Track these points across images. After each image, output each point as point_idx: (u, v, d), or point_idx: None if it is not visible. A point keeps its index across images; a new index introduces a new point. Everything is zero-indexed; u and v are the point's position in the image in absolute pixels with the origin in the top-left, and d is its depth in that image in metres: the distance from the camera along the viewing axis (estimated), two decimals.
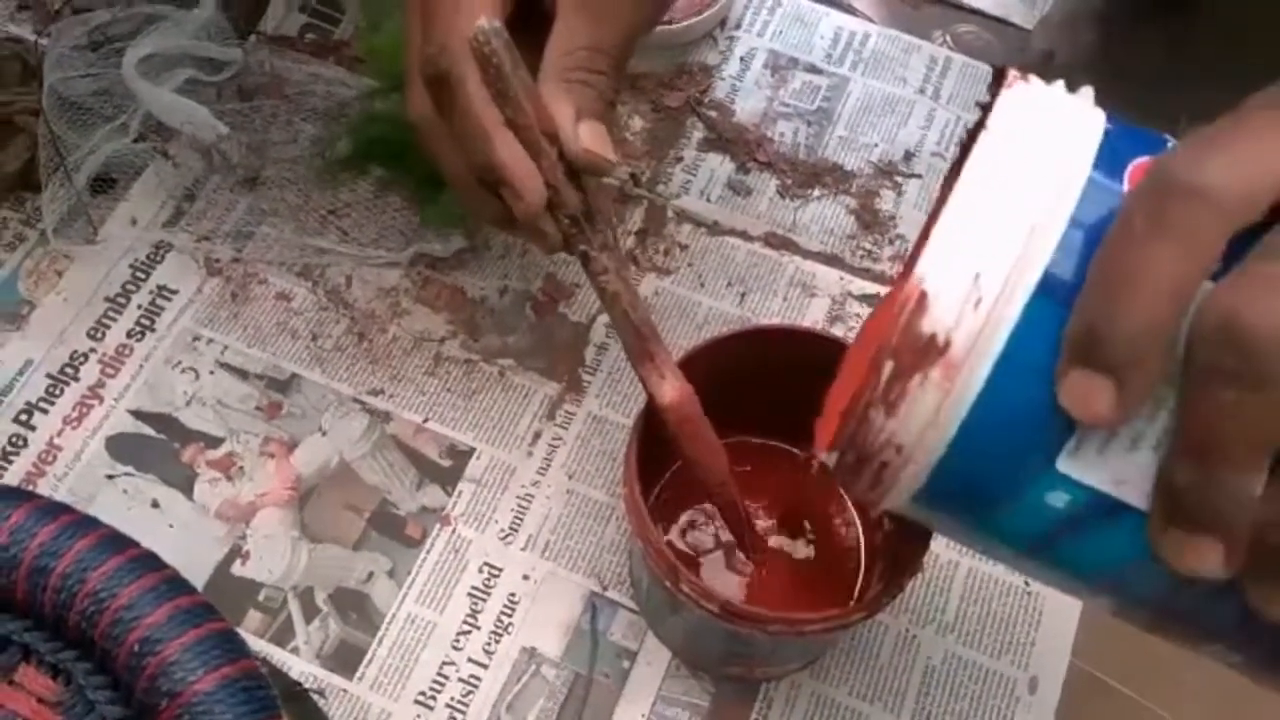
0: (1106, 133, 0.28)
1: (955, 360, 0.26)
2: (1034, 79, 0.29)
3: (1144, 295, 0.25)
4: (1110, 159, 0.27)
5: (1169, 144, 0.28)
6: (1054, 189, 0.26)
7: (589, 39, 0.41)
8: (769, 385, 0.47)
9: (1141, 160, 0.27)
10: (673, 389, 0.44)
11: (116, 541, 0.34)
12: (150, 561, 0.34)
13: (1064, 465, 0.27)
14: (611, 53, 0.42)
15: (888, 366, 0.27)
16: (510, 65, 0.38)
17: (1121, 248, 0.25)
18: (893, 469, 0.29)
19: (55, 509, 0.35)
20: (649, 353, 0.44)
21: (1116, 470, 0.27)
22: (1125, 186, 0.27)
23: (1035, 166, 0.27)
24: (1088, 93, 0.30)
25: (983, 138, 0.27)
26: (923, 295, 0.26)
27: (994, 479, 0.28)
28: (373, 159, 0.63)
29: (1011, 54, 0.72)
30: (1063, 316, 0.26)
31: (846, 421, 0.29)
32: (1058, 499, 0.27)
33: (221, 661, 0.33)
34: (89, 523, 0.35)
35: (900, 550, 0.46)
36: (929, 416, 0.27)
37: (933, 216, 0.34)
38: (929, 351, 0.26)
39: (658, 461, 0.52)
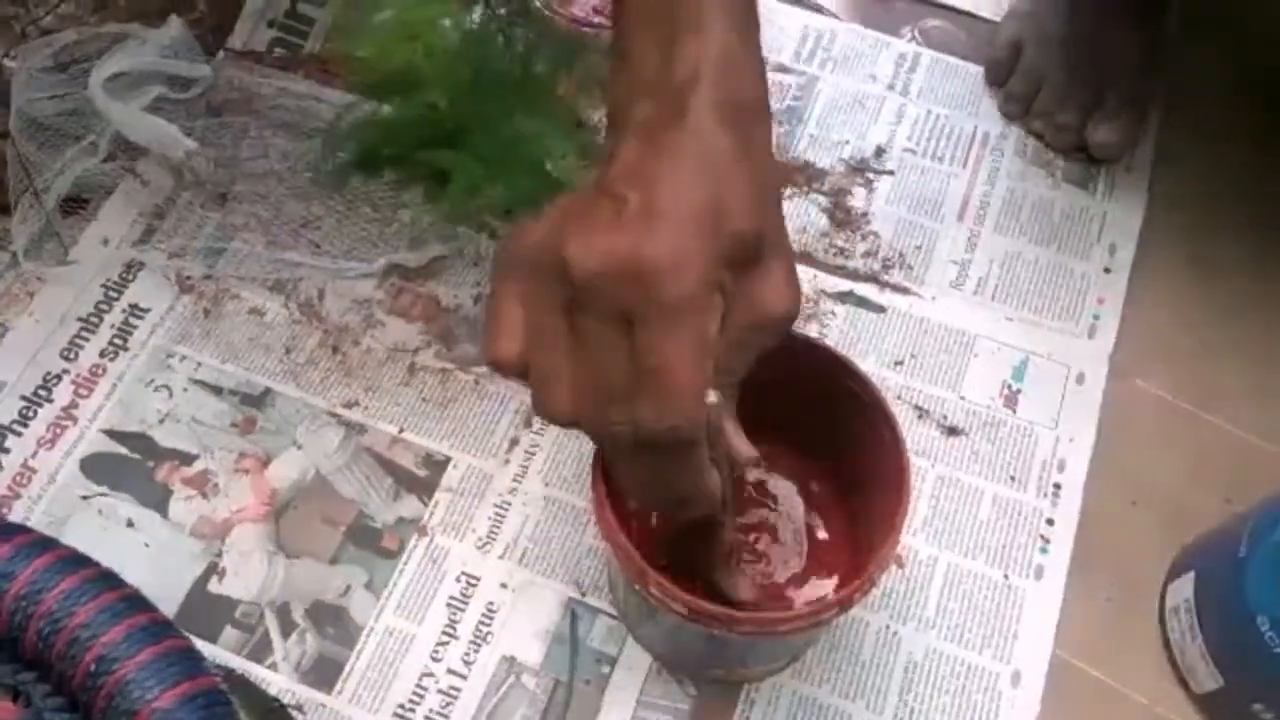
0: None
1: None
2: None
3: None
4: None
5: None
6: None
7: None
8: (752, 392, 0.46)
9: None
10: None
11: (73, 562, 0.34)
12: (108, 580, 0.34)
13: None
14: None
15: None
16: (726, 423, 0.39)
17: None
18: None
19: (10, 530, 0.35)
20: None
21: None
22: None
23: None
24: None
25: None
26: None
27: None
28: (380, 163, 0.62)
29: (980, 46, 0.72)
30: None
31: None
32: None
33: (180, 678, 0.33)
34: (45, 543, 0.35)
35: (874, 543, 0.45)
36: None
37: None
38: None
39: None
